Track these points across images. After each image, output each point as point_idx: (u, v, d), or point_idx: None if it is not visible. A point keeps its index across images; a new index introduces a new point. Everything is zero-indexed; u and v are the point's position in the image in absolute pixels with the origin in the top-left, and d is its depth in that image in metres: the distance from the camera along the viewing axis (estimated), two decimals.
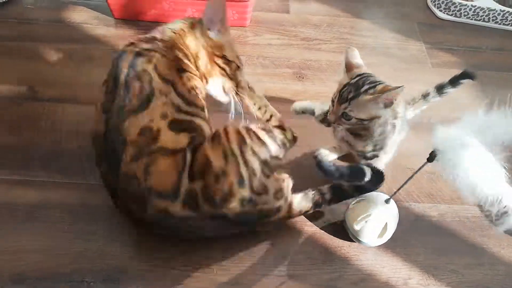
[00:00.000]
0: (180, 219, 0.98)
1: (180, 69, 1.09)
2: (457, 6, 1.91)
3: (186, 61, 1.12)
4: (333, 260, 1.13)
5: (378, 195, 1.13)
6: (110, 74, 1.06)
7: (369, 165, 1.11)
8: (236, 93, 1.23)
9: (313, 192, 1.15)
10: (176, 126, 1.00)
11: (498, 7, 1.88)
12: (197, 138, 1.03)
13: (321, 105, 1.19)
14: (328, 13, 1.94)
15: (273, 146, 1.04)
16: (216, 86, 1.22)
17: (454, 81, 1.27)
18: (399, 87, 0.96)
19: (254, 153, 1.00)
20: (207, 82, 1.20)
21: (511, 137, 0.85)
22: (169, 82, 1.04)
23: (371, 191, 1.13)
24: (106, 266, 1.08)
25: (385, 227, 1.10)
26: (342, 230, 1.16)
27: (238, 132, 1.02)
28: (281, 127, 1.17)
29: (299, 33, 1.82)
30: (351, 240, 1.15)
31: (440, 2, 1.94)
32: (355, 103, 1.02)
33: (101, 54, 1.64)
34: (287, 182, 1.09)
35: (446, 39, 1.85)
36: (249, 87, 1.25)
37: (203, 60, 1.17)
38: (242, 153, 0.99)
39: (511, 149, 0.86)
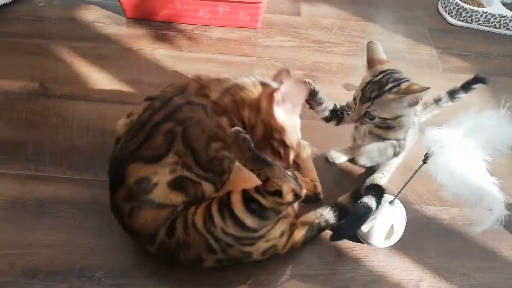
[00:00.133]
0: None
1: (213, 137, 0.97)
2: (468, 12, 1.91)
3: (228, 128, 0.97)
4: (344, 261, 1.12)
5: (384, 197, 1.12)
6: (140, 115, 1.00)
7: (370, 190, 1.11)
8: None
9: (318, 220, 1.13)
10: (178, 183, 0.95)
11: (510, 13, 1.88)
12: (191, 201, 0.98)
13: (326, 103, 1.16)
14: (339, 16, 1.95)
15: (251, 222, 0.94)
16: None
17: (466, 86, 1.26)
18: (425, 88, 0.94)
19: (224, 232, 0.94)
20: None
21: (503, 138, 0.85)
22: (189, 148, 0.95)
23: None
24: (117, 262, 1.08)
25: (391, 229, 1.09)
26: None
27: (208, 210, 0.95)
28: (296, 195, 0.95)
29: (310, 36, 1.82)
30: (361, 242, 1.15)
31: (451, 7, 1.94)
32: (379, 102, 1.01)
33: (112, 53, 1.65)
34: (286, 236, 1.06)
35: (457, 44, 1.85)
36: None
37: (258, 134, 1.02)
38: (208, 229, 0.94)
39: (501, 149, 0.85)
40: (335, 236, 1.11)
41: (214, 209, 0.94)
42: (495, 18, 1.90)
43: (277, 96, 0.96)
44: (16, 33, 1.69)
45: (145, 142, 0.96)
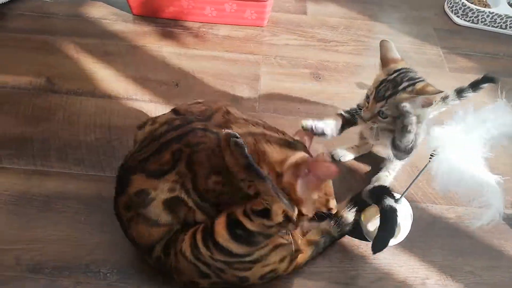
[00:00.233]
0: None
1: (216, 170, 0.91)
2: (474, 12, 1.90)
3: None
4: (350, 259, 1.12)
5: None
6: (157, 129, 0.98)
7: (376, 193, 1.09)
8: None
9: (324, 240, 1.11)
10: (173, 203, 0.92)
11: None
12: (181, 224, 0.96)
13: (329, 124, 1.11)
14: (345, 15, 1.95)
15: (238, 249, 0.91)
16: None
17: (474, 86, 1.26)
18: (440, 91, 0.94)
19: (212, 258, 0.92)
20: None
21: (506, 129, 0.85)
22: (191, 171, 0.91)
23: None
24: (122, 258, 1.08)
25: (398, 227, 1.08)
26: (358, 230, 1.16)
27: (194, 238, 0.93)
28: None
29: (316, 34, 1.82)
30: (367, 240, 1.14)
31: (458, 8, 1.94)
32: (393, 101, 1.00)
33: (119, 50, 1.65)
34: (287, 261, 1.02)
35: (463, 44, 1.85)
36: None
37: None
38: (196, 257, 0.93)
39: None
40: (378, 248, 1.03)
41: (199, 237, 0.92)
42: (502, 19, 1.89)
43: (304, 172, 0.87)
44: (23, 29, 1.69)
45: (153, 155, 0.94)
